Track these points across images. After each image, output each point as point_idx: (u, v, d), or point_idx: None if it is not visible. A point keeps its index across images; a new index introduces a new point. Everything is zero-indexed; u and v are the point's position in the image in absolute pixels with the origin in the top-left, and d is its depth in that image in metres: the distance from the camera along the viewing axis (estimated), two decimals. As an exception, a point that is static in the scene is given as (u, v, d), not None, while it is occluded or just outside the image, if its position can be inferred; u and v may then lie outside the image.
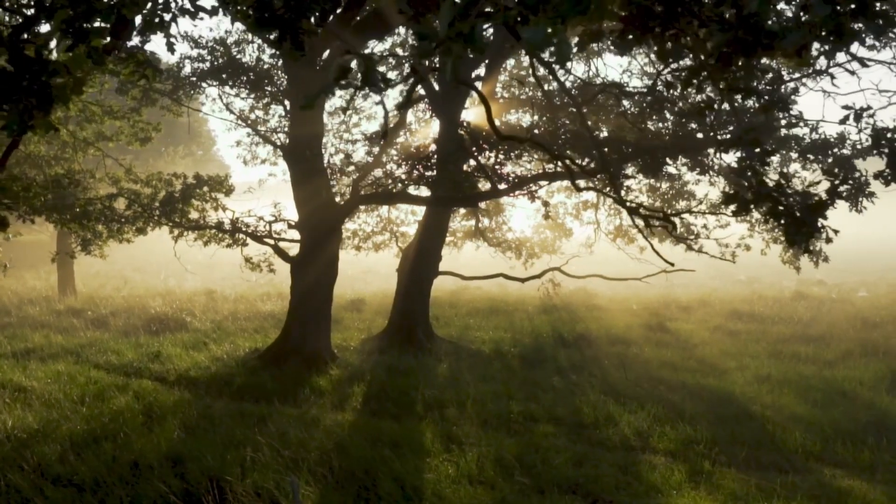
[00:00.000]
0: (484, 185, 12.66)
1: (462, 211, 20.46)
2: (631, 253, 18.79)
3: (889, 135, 4.50)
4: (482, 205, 19.13)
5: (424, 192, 13.46)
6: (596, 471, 7.20)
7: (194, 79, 13.64)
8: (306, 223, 12.23)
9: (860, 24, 2.74)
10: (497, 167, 10.92)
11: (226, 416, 8.87)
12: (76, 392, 9.88)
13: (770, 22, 2.49)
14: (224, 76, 13.32)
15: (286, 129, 13.19)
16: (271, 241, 12.71)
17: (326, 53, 11.52)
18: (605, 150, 9.96)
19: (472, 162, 12.16)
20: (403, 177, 11.33)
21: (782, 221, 3.51)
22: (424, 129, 17.72)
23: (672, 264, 16.28)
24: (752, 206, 3.65)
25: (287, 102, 12.82)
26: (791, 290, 22.53)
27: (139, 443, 7.58)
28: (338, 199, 13.19)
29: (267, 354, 12.58)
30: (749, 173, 3.44)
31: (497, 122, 10.82)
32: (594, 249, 22.05)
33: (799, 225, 3.50)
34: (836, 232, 3.87)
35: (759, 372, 12.05)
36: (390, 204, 14.95)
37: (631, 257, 18.73)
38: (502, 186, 11.41)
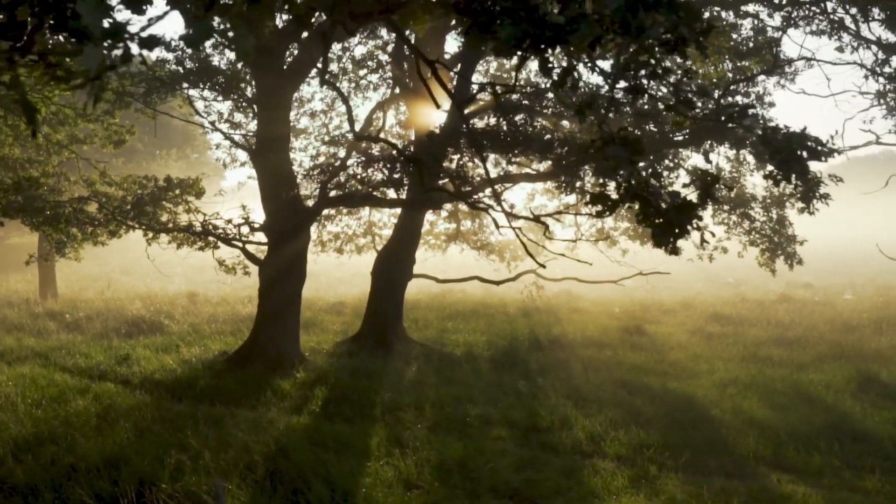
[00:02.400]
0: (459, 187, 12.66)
1: (444, 213, 20.47)
2: (611, 256, 18.77)
3: (772, 133, 4.43)
4: (463, 207, 19.16)
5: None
6: (538, 475, 7.16)
7: (167, 82, 13.65)
8: (273, 226, 12.22)
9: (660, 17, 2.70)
10: (461, 169, 10.88)
11: (179, 419, 8.84)
12: (35, 395, 9.87)
13: (556, 14, 2.45)
14: (194, 79, 13.32)
15: (253, 131, 13.20)
16: (240, 244, 12.70)
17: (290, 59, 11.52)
18: (562, 150, 9.93)
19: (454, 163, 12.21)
20: (368, 179, 11.31)
21: (656, 222, 3.46)
22: (395, 129, 17.74)
23: (642, 272, 16.26)
24: (617, 207, 3.60)
25: (255, 106, 12.83)
26: (776, 292, 22.42)
27: (85, 446, 7.56)
28: (308, 201, 13.17)
29: (234, 357, 12.57)
30: (619, 172, 3.39)
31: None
32: (577, 252, 21.99)
33: (667, 226, 3.46)
34: (713, 234, 3.80)
35: (728, 376, 11.97)
36: (357, 206, 14.92)
37: (611, 260, 18.71)
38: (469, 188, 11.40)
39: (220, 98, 13.72)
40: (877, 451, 8.13)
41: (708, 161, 11.56)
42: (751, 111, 12.80)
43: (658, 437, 8.54)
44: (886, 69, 11.64)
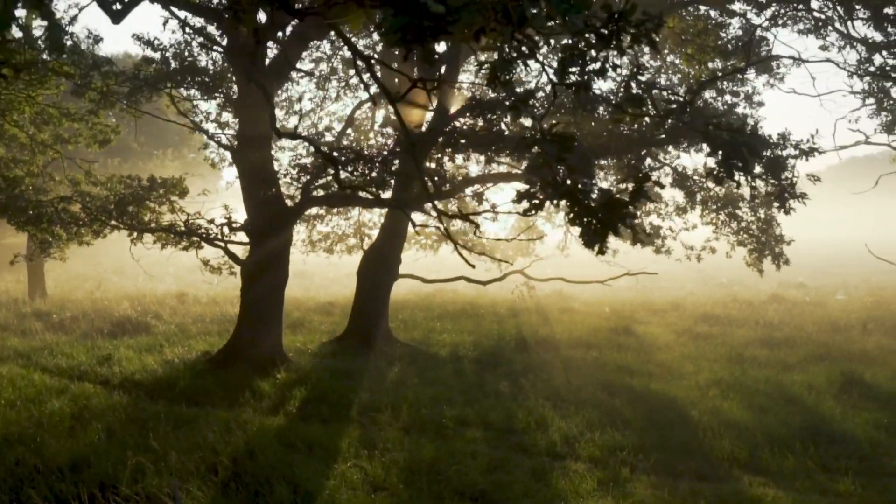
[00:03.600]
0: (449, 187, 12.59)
1: (434, 214, 20.41)
2: (600, 256, 18.67)
3: (715, 130, 4.35)
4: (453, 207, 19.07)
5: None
6: (507, 478, 7.09)
7: (151, 82, 13.61)
8: (254, 225, 12.17)
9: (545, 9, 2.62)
10: (440, 169, 10.82)
11: (152, 420, 8.79)
12: (11, 395, 9.82)
13: (435, 4, 2.38)
14: (179, 79, 13.29)
15: (235, 131, 13.16)
16: (222, 244, 12.65)
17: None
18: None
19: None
20: (348, 179, 11.25)
21: (584, 220, 3.39)
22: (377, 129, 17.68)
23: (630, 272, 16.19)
24: (543, 205, 3.53)
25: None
26: (767, 293, 22.32)
27: (53, 447, 7.50)
28: (291, 201, 13.12)
29: (217, 357, 12.52)
30: (542, 170, 3.33)
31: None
32: (569, 252, 21.94)
33: (597, 225, 3.39)
34: (648, 234, 3.71)
35: (711, 376, 11.89)
36: (340, 206, 14.88)
37: (600, 260, 18.61)
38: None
39: (205, 97, 13.70)
40: (853, 454, 8.06)
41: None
42: (738, 110, 12.69)
43: (633, 438, 8.47)
44: (871, 68, 11.56)
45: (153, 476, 6.39)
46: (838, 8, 11.54)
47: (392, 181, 12.47)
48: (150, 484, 6.28)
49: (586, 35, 3.23)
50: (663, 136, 10.34)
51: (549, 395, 10.58)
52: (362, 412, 9.63)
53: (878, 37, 12.21)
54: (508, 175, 12.52)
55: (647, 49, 16.39)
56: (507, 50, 2.96)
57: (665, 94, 9.92)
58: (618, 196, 3.35)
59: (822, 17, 12.01)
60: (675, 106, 5.40)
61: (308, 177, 11.96)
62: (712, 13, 13.42)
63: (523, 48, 2.90)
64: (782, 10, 13.85)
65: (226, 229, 12.35)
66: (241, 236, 12.82)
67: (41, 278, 21.09)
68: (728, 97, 16.25)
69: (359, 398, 10.17)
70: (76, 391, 10.38)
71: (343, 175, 10.35)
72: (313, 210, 17.71)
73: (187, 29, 11.61)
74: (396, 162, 12.45)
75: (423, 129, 11.97)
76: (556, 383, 11.28)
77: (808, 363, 13.01)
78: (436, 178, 10.80)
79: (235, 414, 9.40)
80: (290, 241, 12.89)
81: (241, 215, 12.78)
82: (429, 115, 13.80)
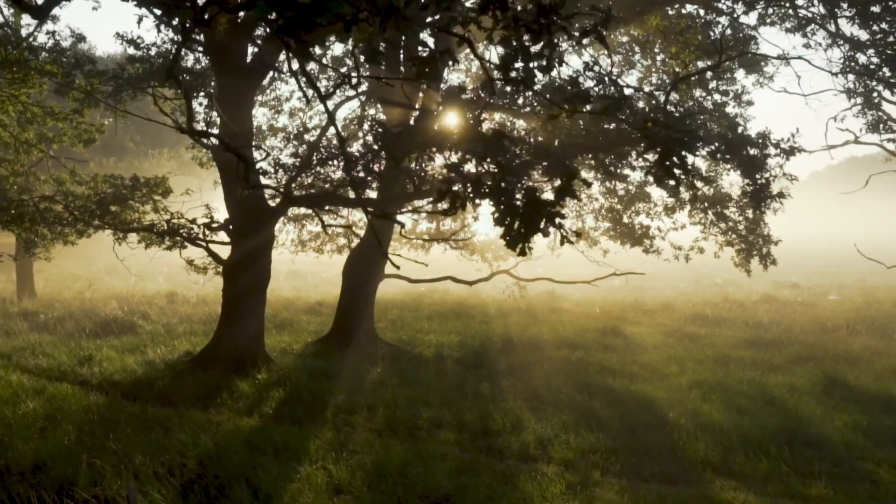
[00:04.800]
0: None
1: (423, 214, 20.31)
2: (591, 256, 18.60)
3: (656, 128, 4.25)
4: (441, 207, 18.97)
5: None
6: (474, 481, 7.01)
7: (133, 80, 13.58)
8: (234, 224, 12.10)
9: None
10: (418, 170, 10.74)
11: (125, 421, 8.73)
12: (-15, 395, 9.77)
13: None
14: (162, 78, 13.23)
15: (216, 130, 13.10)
16: (203, 244, 12.60)
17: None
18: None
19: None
20: (329, 178, 11.18)
21: (506, 221, 3.31)
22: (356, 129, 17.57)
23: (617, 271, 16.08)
24: (462, 205, 3.44)
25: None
26: (760, 293, 22.20)
27: (19, 449, 7.44)
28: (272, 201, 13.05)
29: (198, 358, 12.47)
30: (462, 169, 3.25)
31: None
32: (560, 252, 21.83)
33: (520, 225, 3.30)
34: (578, 235, 3.63)
35: (695, 378, 11.81)
36: (321, 206, 14.79)
37: (590, 260, 18.55)
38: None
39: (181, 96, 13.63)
40: (828, 457, 7.98)
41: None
42: (728, 109, 12.55)
43: (608, 441, 8.39)
44: (854, 65, 11.44)
45: (113, 478, 6.33)
46: (821, 6, 11.43)
47: (372, 181, 12.39)
48: (108, 486, 6.22)
49: (517, 29, 3.15)
50: (636, 135, 10.25)
51: (528, 397, 10.50)
52: (337, 413, 9.57)
53: (864, 35, 12.12)
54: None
55: (641, 47, 16.27)
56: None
57: (639, 94, 9.86)
58: (540, 195, 3.26)
59: (808, 14, 11.90)
60: (612, 101, 5.25)
61: (287, 176, 11.89)
62: (701, 12, 13.32)
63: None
64: (770, 10, 13.76)
65: (206, 229, 12.29)
66: (224, 236, 12.77)
67: (30, 278, 21.07)
68: (718, 96, 16.18)
69: (335, 399, 10.11)
70: (53, 392, 10.33)
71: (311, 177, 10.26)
72: (302, 210, 17.67)
73: (162, 27, 11.56)
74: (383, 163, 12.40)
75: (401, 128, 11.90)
76: (536, 384, 11.20)
77: (794, 364, 12.93)
78: (416, 179, 10.72)
79: (210, 415, 9.34)
80: (272, 240, 12.83)
81: (224, 214, 12.73)
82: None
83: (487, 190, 3.26)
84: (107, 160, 37.99)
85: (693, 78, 11.24)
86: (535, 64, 3.77)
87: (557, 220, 3.29)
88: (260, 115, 17.85)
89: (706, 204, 14.77)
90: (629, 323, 18.01)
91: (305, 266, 29.31)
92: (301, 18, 2.36)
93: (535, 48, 3.25)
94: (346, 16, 2.44)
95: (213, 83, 13.26)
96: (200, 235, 12.58)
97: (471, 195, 3.33)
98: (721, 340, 15.45)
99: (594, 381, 11.54)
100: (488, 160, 3.22)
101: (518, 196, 3.29)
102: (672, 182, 4.09)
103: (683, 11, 12.51)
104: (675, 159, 3.82)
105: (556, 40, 3.24)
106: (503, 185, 3.26)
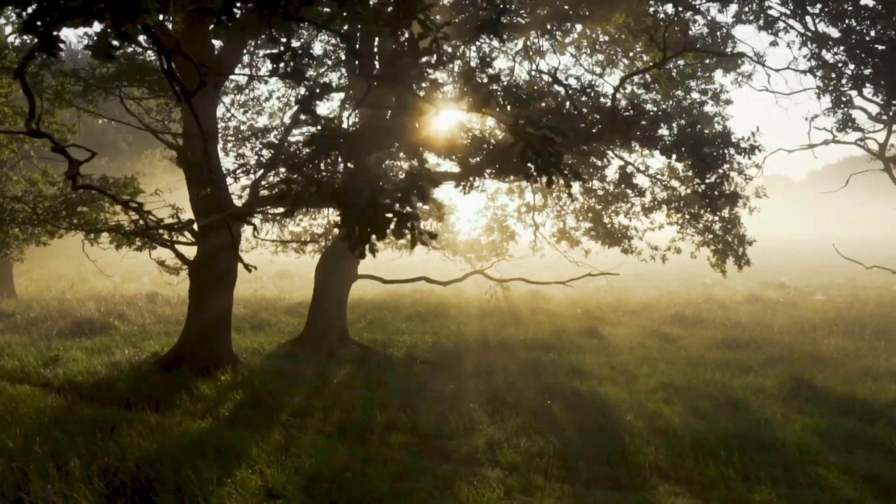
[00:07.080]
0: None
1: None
2: (571, 256, 18.50)
3: (523, 126, 4.12)
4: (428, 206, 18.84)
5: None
6: (413, 485, 6.93)
7: (102, 81, 13.50)
8: (198, 224, 12.02)
9: None
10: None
11: (75, 423, 8.67)
12: (-60, 398, 9.72)
13: None
14: (129, 78, 13.17)
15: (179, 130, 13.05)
16: (168, 243, 12.52)
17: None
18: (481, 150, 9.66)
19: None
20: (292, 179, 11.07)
21: (351, 222, 3.21)
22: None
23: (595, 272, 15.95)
24: (299, 207, 3.36)
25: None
26: (744, 293, 22.04)
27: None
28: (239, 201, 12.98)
29: (164, 359, 12.40)
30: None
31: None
32: (543, 252, 21.70)
33: (364, 227, 3.20)
34: (433, 236, 3.53)
35: (664, 380, 11.68)
36: (288, 207, 14.71)
37: (570, 260, 18.44)
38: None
39: (155, 97, 13.59)
40: (779, 461, 7.84)
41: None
42: (706, 108, 12.40)
43: (558, 444, 8.28)
44: (819, 63, 11.29)
45: (38, 482, 6.26)
46: (790, 3, 11.28)
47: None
48: (36, 490, 6.16)
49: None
50: (594, 131, 10.11)
51: (489, 399, 10.40)
52: (293, 416, 9.48)
53: (834, 33, 11.96)
54: (440, 175, 12.32)
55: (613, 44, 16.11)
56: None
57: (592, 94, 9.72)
58: (380, 199, 3.17)
59: (777, 13, 11.76)
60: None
61: (253, 176, 11.82)
62: (669, 9, 13.19)
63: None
64: (746, 8, 13.63)
65: (169, 229, 12.20)
66: (189, 236, 12.69)
67: (9, 278, 21.06)
68: (698, 95, 16.07)
69: (293, 401, 10.03)
70: (12, 394, 10.28)
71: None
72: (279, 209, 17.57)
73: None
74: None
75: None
76: (499, 386, 11.10)
77: (765, 366, 12.79)
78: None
79: (163, 417, 9.27)
80: (238, 240, 12.74)
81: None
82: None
83: (333, 192, 3.17)
84: (99, 161, 37.97)
85: (646, 75, 11.09)
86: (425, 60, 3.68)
87: (411, 222, 3.20)
88: (240, 116, 17.59)
89: (681, 203, 14.64)
90: (609, 323, 17.89)
91: (293, 266, 29.24)
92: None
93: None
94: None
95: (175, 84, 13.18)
96: (166, 235, 12.49)
97: (314, 197, 3.24)
98: (697, 341, 15.32)
99: (560, 383, 11.43)
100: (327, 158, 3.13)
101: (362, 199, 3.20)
102: (543, 178, 3.96)
103: (650, 10, 12.39)
104: (530, 153, 3.69)
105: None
106: (347, 186, 3.16)
